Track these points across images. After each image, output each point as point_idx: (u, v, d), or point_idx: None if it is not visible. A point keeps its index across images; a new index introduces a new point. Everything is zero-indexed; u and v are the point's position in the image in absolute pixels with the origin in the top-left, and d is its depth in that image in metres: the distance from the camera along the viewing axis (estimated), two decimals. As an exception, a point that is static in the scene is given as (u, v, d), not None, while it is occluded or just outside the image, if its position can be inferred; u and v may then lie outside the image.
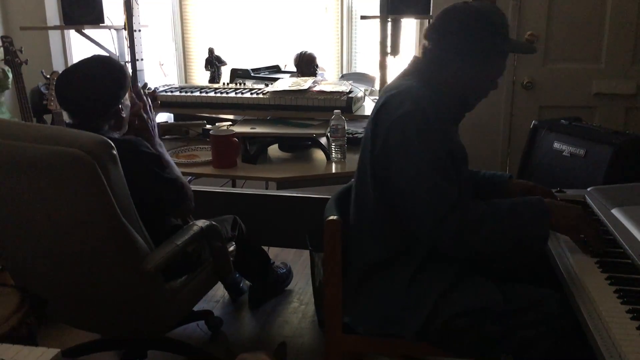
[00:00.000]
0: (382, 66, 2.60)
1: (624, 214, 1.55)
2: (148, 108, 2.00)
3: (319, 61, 3.35)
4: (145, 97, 2.01)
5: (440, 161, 1.40)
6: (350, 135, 2.64)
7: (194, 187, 2.58)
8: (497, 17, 1.51)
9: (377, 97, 2.67)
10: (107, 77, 1.80)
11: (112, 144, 1.56)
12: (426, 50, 1.55)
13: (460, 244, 1.38)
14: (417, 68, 1.57)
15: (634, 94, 2.92)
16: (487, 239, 1.38)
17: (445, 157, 1.42)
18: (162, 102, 2.74)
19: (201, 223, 1.92)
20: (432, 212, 1.36)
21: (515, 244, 1.42)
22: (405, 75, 1.59)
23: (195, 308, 2.19)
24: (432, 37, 1.53)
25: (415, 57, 1.60)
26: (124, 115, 1.86)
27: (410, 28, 3.45)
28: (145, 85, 2.24)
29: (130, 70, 2.81)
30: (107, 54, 2.91)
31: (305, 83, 2.69)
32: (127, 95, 1.87)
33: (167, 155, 2.00)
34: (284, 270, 2.82)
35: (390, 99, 1.48)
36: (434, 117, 1.42)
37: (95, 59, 1.89)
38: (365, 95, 2.86)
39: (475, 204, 1.40)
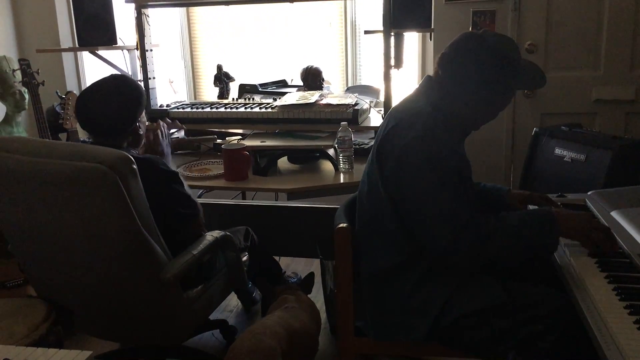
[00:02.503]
0: (387, 78, 2.67)
1: (622, 216, 1.62)
2: (161, 133, 2.15)
3: (324, 75, 3.43)
4: (162, 126, 2.17)
5: (451, 183, 1.46)
6: (357, 146, 2.71)
7: (206, 200, 2.66)
8: (510, 52, 1.54)
9: (382, 111, 2.75)
10: (125, 96, 1.87)
11: (132, 159, 1.63)
12: (438, 76, 1.60)
13: (474, 259, 1.46)
14: (427, 91, 1.61)
15: (633, 99, 2.97)
16: (499, 252, 1.46)
17: (455, 178, 1.48)
18: (174, 118, 2.83)
19: (215, 234, 1.98)
20: (445, 232, 1.43)
21: (526, 253, 1.49)
22: (416, 95, 1.63)
23: (210, 317, 2.25)
24: (444, 66, 1.57)
25: (427, 76, 1.64)
26: (141, 133, 1.94)
27: (413, 41, 3.53)
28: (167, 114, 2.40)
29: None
30: (122, 73, 3.01)
31: (312, 97, 2.77)
32: (144, 113, 1.95)
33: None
34: (295, 280, 2.87)
35: (400, 122, 1.54)
36: (443, 141, 1.49)
37: (112, 79, 1.95)
38: (370, 107, 2.93)
39: (485, 220, 1.46)
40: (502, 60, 1.52)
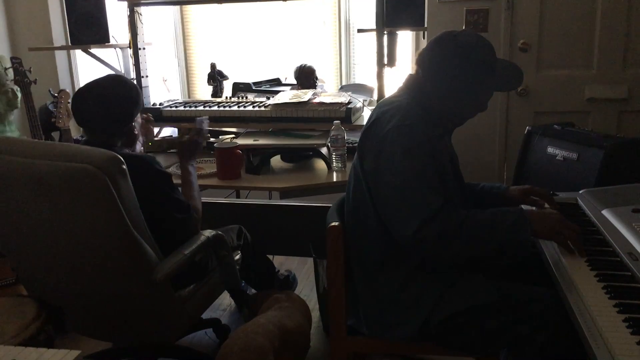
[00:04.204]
0: (380, 77, 2.68)
1: (613, 215, 1.62)
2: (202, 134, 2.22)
3: (318, 73, 3.44)
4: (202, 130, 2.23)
5: (426, 172, 1.48)
6: (350, 145, 2.71)
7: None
8: (484, 52, 1.58)
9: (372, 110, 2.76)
10: (122, 96, 1.86)
11: (122, 159, 1.62)
12: (417, 75, 1.64)
13: (440, 249, 1.45)
14: (409, 87, 1.65)
15: (626, 98, 2.98)
16: (466, 245, 1.45)
17: (430, 169, 1.49)
18: (167, 117, 2.83)
19: (208, 233, 1.97)
20: (415, 218, 1.43)
21: (496, 250, 1.49)
22: (399, 92, 1.67)
23: (203, 316, 2.25)
24: (422, 64, 1.62)
25: (409, 75, 1.68)
26: (137, 132, 1.94)
27: (406, 39, 3.53)
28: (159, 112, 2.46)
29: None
30: (117, 73, 3.00)
31: (305, 95, 2.76)
32: (139, 113, 1.95)
33: (195, 178, 2.14)
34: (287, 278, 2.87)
35: (381, 115, 1.57)
36: (421, 132, 1.51)
37: (110, 78, 1.95)
38: (364, 105, 2.93)
39: (456, 212, 1.47)
40: (474, 60, 1.56)
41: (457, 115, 1.66)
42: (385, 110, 1.58)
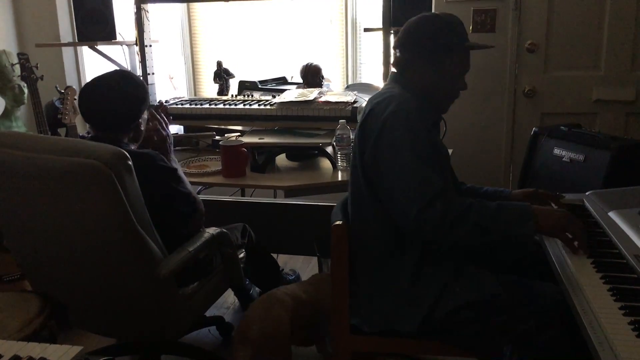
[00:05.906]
0: (386, 77, 2.66)
1: (620, 217, 1.61)
2: (164, 125, 2.09)
3: (324, 72, 3.43)
4: (159, 115, 2.09)
5: (426, 153, 1.49)
6: (356, 144, 2.70)
7: (204, 197, 2.65)
8: (453, 19, 1.67)
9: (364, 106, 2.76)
10: (130, 92, 1.86)
11: (128, 155, 1.62)
12: (397, 59, 1.70)
13: (442, 232, 1.42)
14: (394, 79, 1.70)
15: (634, 100, 2.97)
16: (470, 231, 1.43)
17: (430, 150, 1.51)
18: (173, 114, 2.83)
19: (212, 230, 1.98)
20: (417, 198, 1.42)
21: (499, 240, 1.50)
22: (388, 84, 1.72)
23: (207, 314, 2.25)
24: (399, 46, 1.69)
25: (391, 72, 1.74)
26: (143, 128, 1.94)
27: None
28: (160, 104, 2.35)
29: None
30: (126, 69, 3.00)
31: (311, 94, 2.76)
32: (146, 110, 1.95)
33: (181, 171, 2.09)
34: (293, 277, 2.87)
35: (375, 106, 1.59)
36: (417, 114, 1.53)
37: (117, 74, 1.94)
38: (369, 105, 2.92)
39: (461, 198, 1.48)
40: (445, 24, 1.65)
41: (440, 91, 1.68)
42: (378, 101, 1.60)
